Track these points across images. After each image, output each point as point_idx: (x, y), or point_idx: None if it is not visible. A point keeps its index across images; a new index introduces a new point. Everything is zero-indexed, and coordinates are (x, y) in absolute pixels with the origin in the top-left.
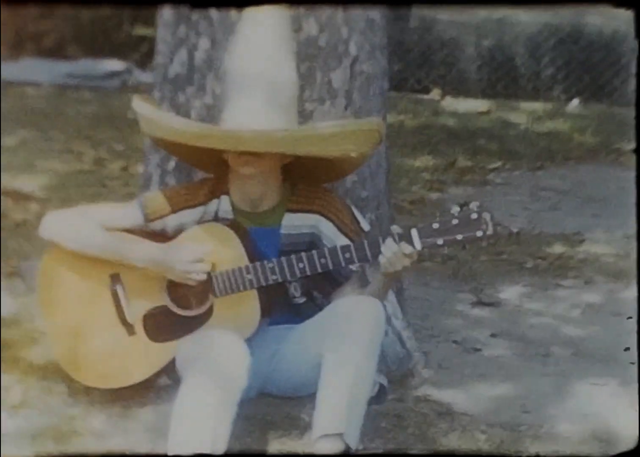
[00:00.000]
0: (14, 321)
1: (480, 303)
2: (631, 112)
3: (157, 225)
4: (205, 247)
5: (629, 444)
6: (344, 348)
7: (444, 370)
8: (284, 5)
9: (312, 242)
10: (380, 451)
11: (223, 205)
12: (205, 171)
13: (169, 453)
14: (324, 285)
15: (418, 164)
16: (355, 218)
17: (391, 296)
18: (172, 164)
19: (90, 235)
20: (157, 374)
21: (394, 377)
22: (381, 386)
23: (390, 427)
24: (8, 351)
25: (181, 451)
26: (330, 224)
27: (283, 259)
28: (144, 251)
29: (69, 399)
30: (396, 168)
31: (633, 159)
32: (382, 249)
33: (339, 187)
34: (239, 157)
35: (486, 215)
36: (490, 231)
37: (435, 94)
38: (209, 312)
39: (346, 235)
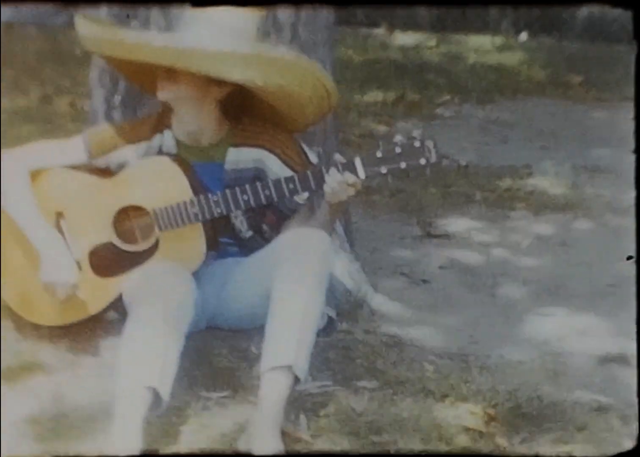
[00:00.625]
0: None
1: (429, 235)
2: (579, 45)
3: (101, 161)
4: (71, 274)
5: (629, 444)
6: (291, 280)
7: (392, 302)
8: None
9: (257, 177)
10: (329, 382)
11: (167, 140)
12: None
13: (118, 387)
14: (271, 218)
15: (367, 98)
16: (302, 151)
17: (339, 229)
18: (118, 98)
19: (9, 198)
20: (105, 309)
21: (343, 309)
22: (329, 318)
23: (339, 359)
24: None
25: (129, 384)
26: (275, 158)
27: (227, 191)
28: (35, 234)
29: (17, 334)
30: (345, 102)
31: (581, 92)
32: (326, 178)
33: None
34: (159, 81)
35: (429, 143)
36: (433, 159)
37: (383, 28)
38: (154, 247)
39: (292, 168)
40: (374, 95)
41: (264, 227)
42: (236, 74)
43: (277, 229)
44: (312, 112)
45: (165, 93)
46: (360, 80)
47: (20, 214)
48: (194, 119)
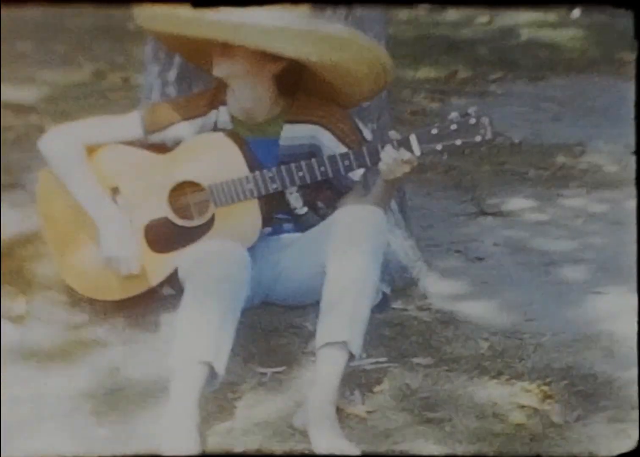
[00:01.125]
0: (17, 233)
1: (483, 213)
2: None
3: (156, 137)
4: (128, 249)
5: (629, 444)
6: (346, 256)
7: (446, 279)
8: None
9: (311, 153)
10: (384, 359)
11: (222, 116)
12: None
13: (173, 362)
14: (326, 195)
15: (419, 75)
16: (357, 127)
17: (394, 206)
18: (172, 74)
19: (65, 168)
20: (160, 285)
21: (397, 286)
22: (384, 294)
23: (393, 336)
24: (11, 262)
25: (185, 359)
26: (330, 135)
27: (283, 167)
28: (95, 209)
29: (72, 309)
30: (397, 79)
31: (633, 70)
32: (382, 155)
33: None
34: (215, 58)
35: (485, 120)
36: (489, 136)
37: (435, 4)
38: (210, 223)
39: (347, 145)
40: (427, 72)
41: (319, 203)
42: (291, 50)
43: (332, 205)
44: (368, 88)
45: (221, 69)
46: (413, 56)
47: (79, 189)
48: (250, 95)
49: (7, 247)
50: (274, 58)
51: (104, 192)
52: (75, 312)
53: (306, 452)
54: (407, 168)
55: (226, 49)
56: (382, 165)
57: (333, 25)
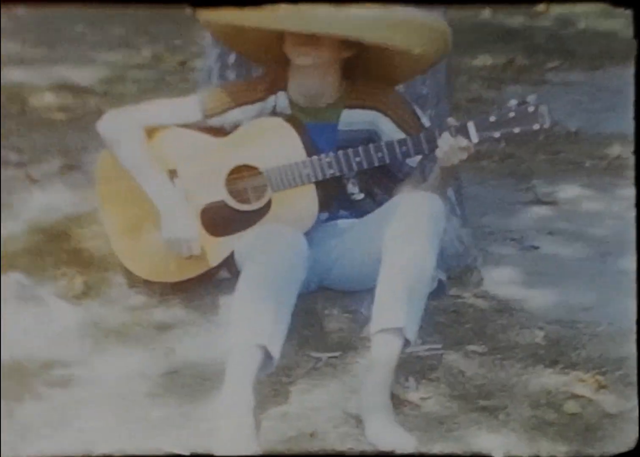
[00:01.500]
0: (75, 214)
1: (538, 202)
2: None
3: (215, 121)
4: (191, 231)
5: (629, 444)
6: (403, 243)
7: (502, 267)
8: None
9: (369, 139)
10: (439, 346)
11: (281, 100)
12: (264, 65)
13: (229, 345)
14: (383, 181)
15: (476, 62)
16: (415, 114)
17: (450, 194)
18: (232, 58)
19: (125, 150)
20: (217, 268)
21: (453, 273)
22: (440, 281)
23: (448, 323)
24: (69, 242)
25: (240, 342)
26: (389, 121)
27: (340, 152)
28: (156, 191)
29: (129, 290)
30: (455, 66)
31: None
32: (439, 142)
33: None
34: (297, 47)
35: (543, 109)
36: (547, 124)
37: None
38: (267, 207)
39: (405, 131)
40: (484, 60)
41: (376, 190)
42: (396, 42)
43: (388, 192)
44: (428, 64)
45: (306, 59)
46: (470, 44)
47: (139, 171)
48: (317, 81)
49: (65, 228)
50: (349, 44)
51: (163, 174)
52: (132, 293)
53: (361, 439)
54: (464, 155)
55: (311, 38)
56: (439, 152)
57: (427, 16)
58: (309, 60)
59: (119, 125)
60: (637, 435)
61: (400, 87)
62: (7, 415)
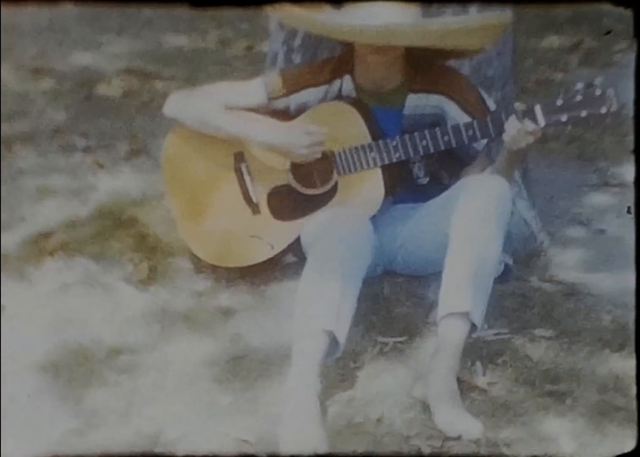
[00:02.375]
0: (141, 199)
1: (606, 184)
2: None
3: (280, 103)
4: (324, 129)
5: (629, 445)
6: (469, 226)
7: (569, 251)
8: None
9: (434, 123)
10: (505, 330)
11: (346, 84)
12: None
13: (295, 330)
14: (449, 165)
15: (543, 44)
16: (480, 97)
17: (517, 176)
18: (297, 41)
19: (212, 114)
20: (283, 252)
21: (519, 257)
22: (506, 265)
23: (515, 307)
24: (135, 227)
25: (306, 327)
26: (455, 105)
27: (406, 136)
28: (265, 130)
29: (196, 276)
30: (521, 48)
31: None
32: (506, 126)
33: (465, 66)
34: (366, 47)
35: (610, 92)
36: (614, 108)
37: None
38: (332, 191)
39: (471, 115)
40: (551, 42)
41: (443, 173)
42: (457, 45)
43: (455, 175)
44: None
45: (376, 57)
46: (537, 26)
47: (217, 121)
48: (382, 67)
49: (132, 214)
50: None
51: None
52: (198, 279)
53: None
54: (530, 139)
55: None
56: (506, 136)
57: (487, 15)
58: (379, 58)
59: (194, 100)
60: (637, 435)
61: (466, 70)
62: (75, 402)
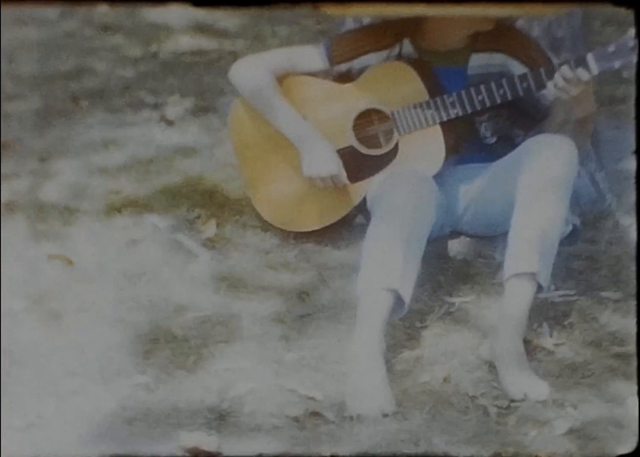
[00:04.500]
0: (209, 155)
1: None
2: None
3: (342, 67)
4: (335, 164)
5: (629, 445)
6: (535, 186)
7: (637, 213)
8: None
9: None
10: (572, 292)
11: (407, 46)
12: None
13: (360, 289)
14: (522, 123)
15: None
16: (543, 52)
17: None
18: None
19: (261, 95)
20: (351, 214)
21: (587, 219)
22: (574, 226)
23: (582, 269)
24: (203, 184)
25: (371, 286)
26: (518, 62)
27: (462, 92)
28: (291, 127)
29: (263, 234)
30: (590, 9)
31: None
32: (556, 75)
33: (535, 27)
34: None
35: None
36: None
37: None
38: (394, 151)
39: (533, 70)
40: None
41: (515, 132)
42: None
43: (526, 132)
44: None
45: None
46: None
47: (275, 113)
48: (447, 28)
49: (199, 171)
50: None
51: (297, 114)
52: (266, 236)
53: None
54: (580, 88)
55: None
56: (558, 84)
57: None
58: (444, 22)
59: (251, 72)
60: (638, 436)
61: (536, 31)
62: (144, 357)
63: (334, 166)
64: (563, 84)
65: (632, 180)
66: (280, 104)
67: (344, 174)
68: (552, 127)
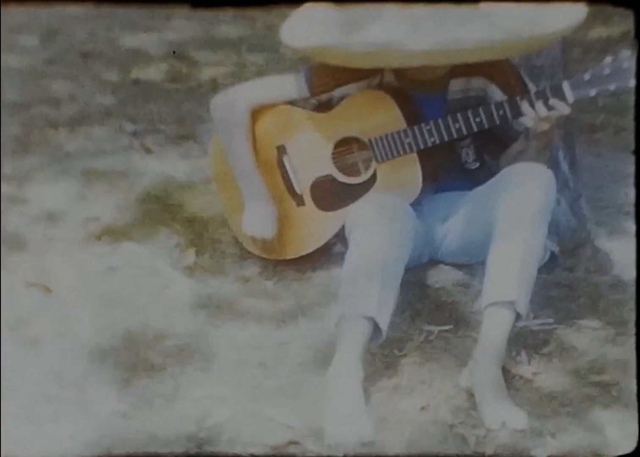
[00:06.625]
0: (188, 184)
1: None
2: None
3: (323, 97)
4: (269, 229)
5: (629, 446)
6: (514, 214)
7: (616, 241)
8: None
9: (479, 106)
10: (551, 320)
11: (388, 76)
12: None
13: (339, 316)
14: (492, 148)
15: (592, 34)
16: (521, 79)
17: (564, 166)
18: None
19: (229, 138)
20: (330, 243)
21: (566, 247)
22: (552, 254)
23: (561, 297)
24: (182, 213)
25: (348, 313)
26: (495, 87)
27: (439, 120)
28: (244, 179)
29: (242, 262)
30: (569, 38)
31: None
32: (536, 105)
33: None
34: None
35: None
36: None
37: None
38: (373, 179)
39: (510, 96)
40: (599, 32)
41: (486, 157)
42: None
43: (496, 158)
44: None
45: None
46: (586, 16)
47: (236, 160)
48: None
49: (178, 199)
50: None
51: (257, 170)
52: (245, 264)
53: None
54: (558, 116)
55: None
56: (536, 113)
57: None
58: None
59: (225, 108)
60: (637, 436)
61: (515, 59)
62: (121, 385)
63: (264, 231)
64: (545, 115)
65: (611, 209)
66: (242, 151)
67: (271, 243)
68: (515, 152)
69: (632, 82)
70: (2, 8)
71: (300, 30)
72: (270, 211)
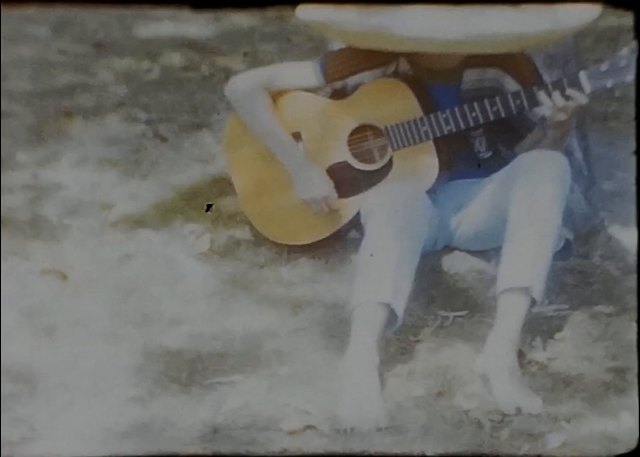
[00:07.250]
0: (202, 172)
1: None
2: None
3: (337, 85)
4: (326, 186)
5: (629, 445)
6: (528, 201)
7: (629, 228)
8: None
9: (493, 97)
10: (566, 306)
11: (402, 64)
12: None
13: (353, 303)
14: (507, 138)
15: (602, 23)
16: (535, 69)
17: (578, 154)
18: None
19: (253, 114)
20: (345, 229)
21: (580, 234)
22: (567, 241)
23: (575, 283)
24: (196, 200)
25: (364, 300)
26: (510, 78)
27: (456, 109)
28: (285, 154)
29: (256, 248)
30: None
31: None
32: (553, 94)
33: None
34: None
35: None
36: None
37: None
38: (388, 166)
39: (525, 87)
40: (610, 21)
41: (500, 146)
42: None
43: (511, 147)
44: None
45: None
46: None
47: (267, 134)
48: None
49: (193, 186)
50: None
51: (290, 136)
52: (259, 251)
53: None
54: (575, 106)
55: None
56: (554, 103)
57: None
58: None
59: (245, 89)
60: (637, 436)
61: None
62: (136, 370)
63: (324, 189)
64: (563, 105)
65: (624, 196)
66: (272, 124)
67: (335, 196)
68: (533, 142)
69: None
70: (2, 8)
71: (318, 6)
72: (319, 171)
